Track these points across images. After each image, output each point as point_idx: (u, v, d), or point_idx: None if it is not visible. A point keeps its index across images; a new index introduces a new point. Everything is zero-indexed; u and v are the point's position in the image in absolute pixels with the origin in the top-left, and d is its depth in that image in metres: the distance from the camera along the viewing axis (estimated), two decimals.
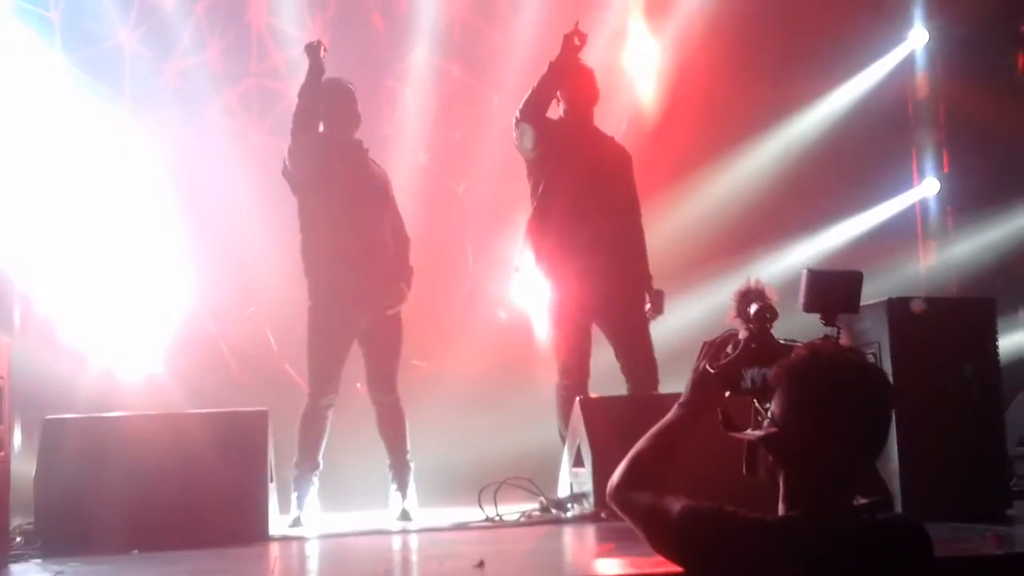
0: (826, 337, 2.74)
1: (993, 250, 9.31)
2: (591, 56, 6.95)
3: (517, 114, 6.41)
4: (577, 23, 6.41)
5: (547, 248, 6.39)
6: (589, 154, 6.41)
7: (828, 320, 2.82)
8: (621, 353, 6.46)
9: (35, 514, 5.54)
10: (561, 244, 6.35)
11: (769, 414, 2.63)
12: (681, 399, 2.85)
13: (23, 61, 8.72)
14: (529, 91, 6.39)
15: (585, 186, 6.35)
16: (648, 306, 6.50)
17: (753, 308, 2.76)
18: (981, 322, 5.37)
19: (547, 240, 6.39)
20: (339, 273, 6.48)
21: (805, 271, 2.89)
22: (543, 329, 8.81)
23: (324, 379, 6.52)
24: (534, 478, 6.25)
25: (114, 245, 8.73)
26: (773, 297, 2.78)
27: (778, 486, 2.65)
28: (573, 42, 6.30)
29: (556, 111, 6.50)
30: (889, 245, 9.64)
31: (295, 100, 6.76)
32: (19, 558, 5.17)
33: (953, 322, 5.34)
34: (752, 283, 2.81)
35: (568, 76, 6.37)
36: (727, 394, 2.77)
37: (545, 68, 6.43)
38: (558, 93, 6.46)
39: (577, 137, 6.40)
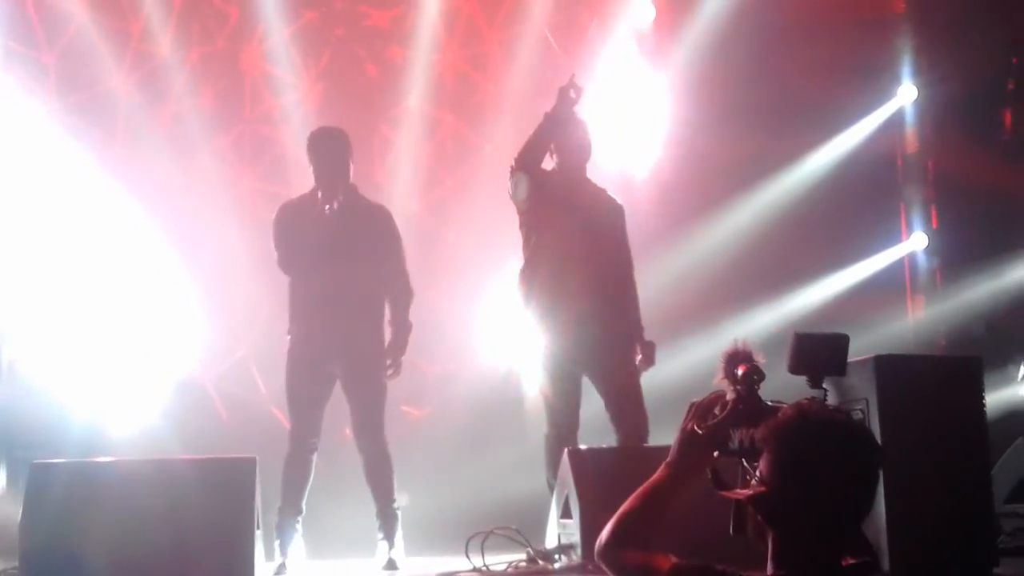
0: (812, 398, 2.76)
1: (981, 306, 9.36)
2: (583, 108, 6.99)
3: (512, 163, 6.44)
4: (573, 75, 6.45)
5: (536, 298, 6.41)
6: (581, 206, 6.43)
7: (815, 383, 2.85)
8: (610, 404, 6.47)
9: (20, 559, 5.50)
10: (551, 294, 6.37)
11: (757, 474, 2.65)
12: (668, 458, 2.87)
13: (15, 105, 8.75)
14: (525, 141, 6.41)
15: (576, 238, 6.37)
16: (639, 357, 6.51)
17: (741, 370, 2.79)
18: (968, 380, 5.39)
19: (537, 290, 6.41)
20: (316, 317, 6.50)
21: (793, 334, 2.92)
22: (533, 378, 8.85)
23: (304, 423, 6.51)
24: (522, 528, 6.23)
25: (102, 287, 8.73)
26: (760, 359, 2.81)
27: (766, 545, 2.66)
28: (569, 94, 6.33)
29: (549, 163, 6.53)
30: (877, 299, 9.68)
31: (288, 148, 6.78)
32: None
33: (940, 380, 5.37)
34: (739, 345, 2.84)
35: (562, 128, 6.40)
36: (715, 454, 2.79)
37: (540, 118, 6.48)
38: (551, 145, 6.48)
39: (569, 189, 6.43)
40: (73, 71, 9.20)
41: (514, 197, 6.50)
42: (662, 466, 2.87)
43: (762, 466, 2.64)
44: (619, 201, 6.80)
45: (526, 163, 6.37)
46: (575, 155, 6.50)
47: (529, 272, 6.46)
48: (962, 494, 5.22)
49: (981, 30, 9.33)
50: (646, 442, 6.33)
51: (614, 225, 6.59)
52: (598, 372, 6.46)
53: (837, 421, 2.62)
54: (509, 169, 6.48)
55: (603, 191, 6.73)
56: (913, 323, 10.10)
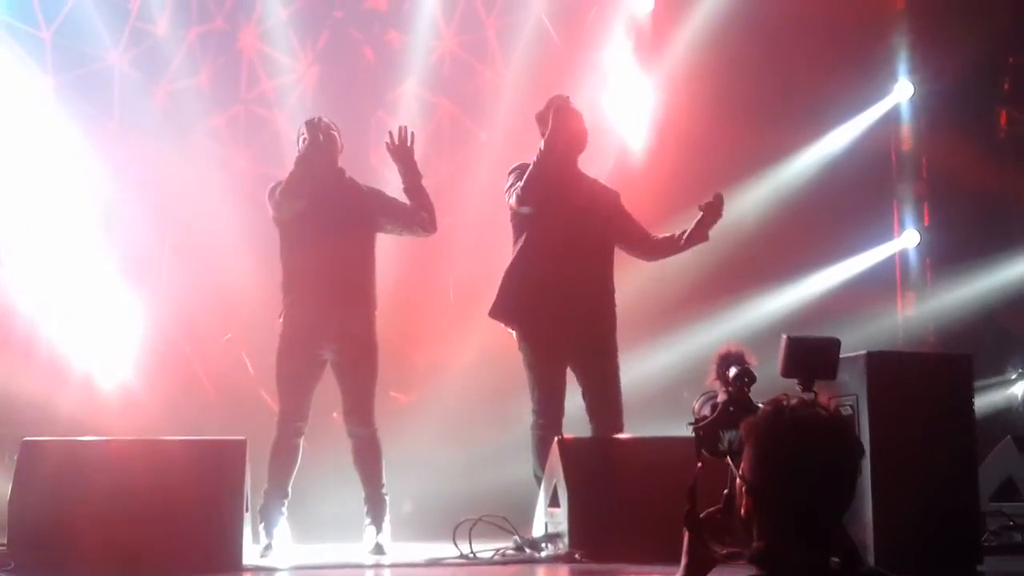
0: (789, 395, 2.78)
1: (972, 303, 9.40)
2: (581, 97, 7.00)
3: (519, 193, 6.36)
4: (568, 99, 6.46)
5: (522, 290, 6.40)
6: (572, 200, 6.41)
7: (806, 386, 2.88)
8: (588, 396, 6.47)
9: (8, 536, 5.53)
10: (537, 287, 6.36)
11: (739, 471, 2.68)
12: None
13: (12, 80, 8.74)
14: (527, 175, 6.37)
15: (564, 232, 6.35)
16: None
17: (732, 371, 2.82)
18: (958, 378, 5.43)
19: (523, 282, 6.40)
20: (308, 300, 6.50)
21: (784, 337, 2.95)
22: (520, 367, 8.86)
23: (292, 406, 6.51)
24: (510, 516, 6.24)
25: (92, 266, 8.73)
26: (752, 361, 2.84)
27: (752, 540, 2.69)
28: (562, 119, 6.31)
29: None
30: (868, 295, 9.71)
31: (283, 130, 6.77)
32: None
33: (930, 377, 5.41)
34: (732, 347, 2.87)
35: (557, 119, 6.39)
36: (705, 454, 2.82)
37: (536, 110, 6.47)
38: (546, 132, 6.46)
39: (561, 182, 6.40)
40: (70, 47, 9.17)
41: (515, 210, 6.48)
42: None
43: (743, 463, 2.66)
44: (613, 189, 6.78)
45: (532, 198, 6.35)
46: (569, 147, 6.48)
47: (518, 265, 6.45)
48: (948, 491, 5.27)
49: (978, 29, 9.34)
50: (620, 433, 6.34)
51: (606, 216, 6.56)
52: (579, 364, 6.47)
53: (813, 415, 2.62)
54: (510, 191, 6.42)
55: (595, 182, 6.72)
56: (903, 319, 10.14)
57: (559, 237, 6.36)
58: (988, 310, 9.37)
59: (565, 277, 6.33)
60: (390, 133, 6.64)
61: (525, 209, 6.39)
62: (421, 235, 6.82)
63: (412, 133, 6.62)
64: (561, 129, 6.29)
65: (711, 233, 6.46)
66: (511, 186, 6.46)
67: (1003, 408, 8.97)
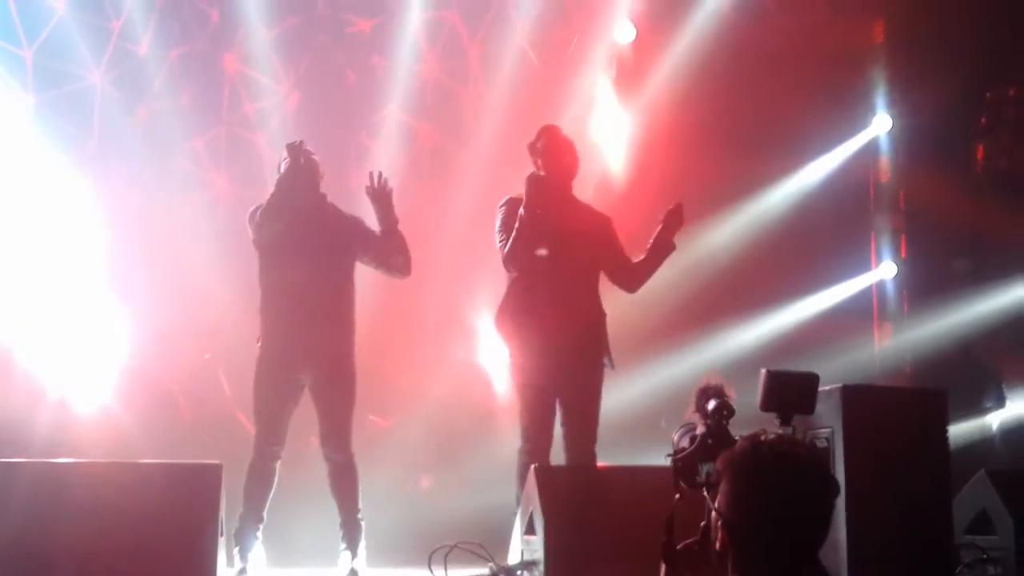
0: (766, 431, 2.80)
1: (947, 335, 9.45)
2: (562, 123, 7.01)
3: (503, 257, 6.39)
4: (559, 130, 6.50)
5: (511, 318, 6.41)
6: (564, 228, 6.41)
7: (784, 421, 2.90)
8: (564, 425, 6.47)
9: None
10: (526, 315, 6.36)
11: (715, 505, 2.69)
12: None
13: None
14: (510, 243, 6.37)
15: (554, 262, 6.36)
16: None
17: (711, 404, 2.84)
18: (933, 412, 5.47)
19: (512, 311, 6.40)
20: (286, 324, 6.50)
21: (763, 372, 2.97)
22: (502, 390, 8.86)
23: (269, 430, 6.49)
24: (486, 542, 6.23)
25: (70, 285, 8.70)
26: (731, 394, 2.86)
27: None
28: (539, 183, 6.33)
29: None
30: (846, 325, 9.75)
31: (264, 152, 6.77)
32: None
33: (906, 410, 5.44)
34: (711, 379, 2.89)
35: (549, 148, 6.42)
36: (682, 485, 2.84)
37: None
38: (538, 162, 6.48)
39: (554, 209, 6.40)
40: (51, 66, 9.16)
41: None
42: None
43: (720, 497, 2.67)
44: (604, 214, 6.79)
45: (517, 263, 6.38)
46: (560, 174, 6.49)
47: (511, 297, 6.45)
48: (923, 524, 5.29)
49: (956, 64, 9.42)
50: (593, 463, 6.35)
51: (596, 243, 6.57)
52: (563, 393, 6.47)
53: (790, 454, 2.65)
54: (499, 249, 6.44)
55: (587, 207, 6.73)
56: (879, 351, 10.19)
57: (547, 267, 6.35)
58: (964, 342, 9.42)
59: (559, 306, 6.33)
60: (370, 175, 6.67)
61: (512, 272, 6.42)
62: (395, 277, 6.85)
63: (387, 180, 6.66)
64: (535, 204, 6.29)
65: (692, 258, 6.47)
66: (499, 235, 6.45)
67: (977, 440, 9.01)
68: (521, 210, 6.29)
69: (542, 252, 6.35)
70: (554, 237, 6.34)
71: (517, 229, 6.32)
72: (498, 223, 6.49)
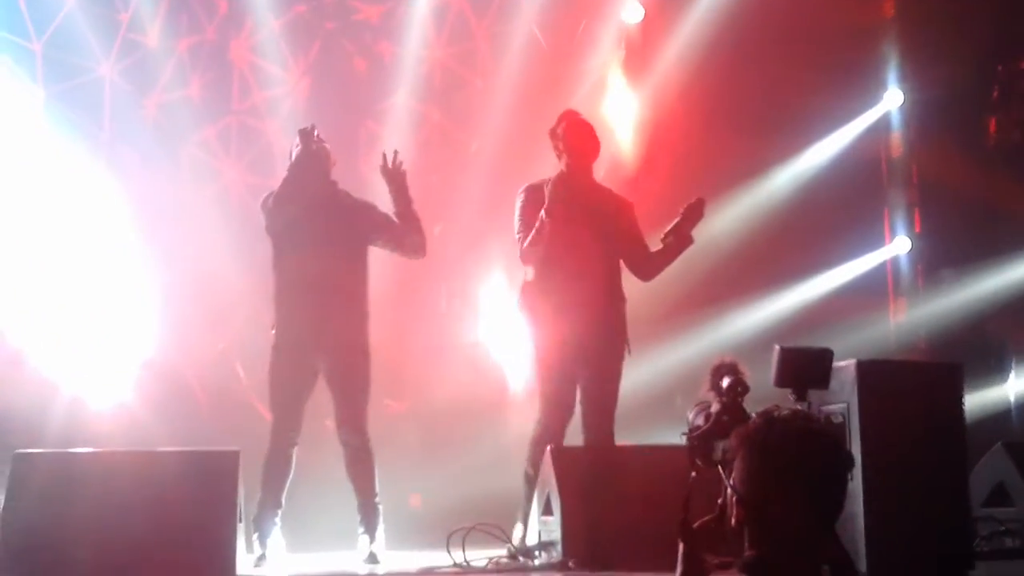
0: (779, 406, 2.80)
1: (962, 309, 9.43)
2: (572, 106, 6.98)
3: (520, 253, 6.37)
4: (578, 115, 6.47)
5: (535, 301, 6.37)
6: (586, 213, 6.37)
7: (799, 396, 2.90)
8: (584, 408, 6.43)
9: (1, 548, 5.51)
10: (550, 294, 6.33)
11: (730, 482, 2.69)
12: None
13: (1, 92, 8.74)
14: (528, 241, 6.32)
15: (577, 246, 6.31)
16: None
17: (726, 382, 2.84)
18: (948, 386, 5.46)
19: (536, 294, 6.37)
20: (300, 310, 6.50)
21: (777, 348, 2.97)
22: (515, 372, 8.87)
23: (285, 416, 6.50)
24: (504, 523, 6.26)
25: (85, 277, 8.73)
26: (745, 372, 2.86)
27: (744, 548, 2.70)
28: (562, 185, 6.29)
29: (558, 165, 6.47)
30: (860, 302, 9.74)
31: (275, 140, 6.76)
32: None
33: (921, 385, 5.43)
34: (725, 358, 2.88)
35: (570, 133, 6.39)
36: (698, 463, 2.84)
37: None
38: (559, 146, 6.44)
39: (574, 195, 6.37)
40: (61, 59, 9.17)
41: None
42: None
43: (734, 474, 2.68)
44: (627, 199, 6.74)
45: (533, 263, 6.37)
46: (582, 157, 6.45)
47: (535, 278, 6.42)
48: (940, 498, 5.28)
49: (968, 37, 9.38)
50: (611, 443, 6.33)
51: (618, 229, 6.52)
52: (582, 375, 6.44)
53: (804, 429, 2.65)
54: (516, 221, 6.41)
55: (609, 191, 6.68)
56: (895, 326, 10.17)
57: (569, 252, 6.31)
58: (979, 316, 9.40)
59: (580, 290, 6.29)
60: (384, 155, 6.66)
61: (529, 269, 6.40)
62: (411, 257, 6.85)
63: (402, 161, 6.65)
64: (557, 210, 6.25)
65: (706, 237, 6.44)
66: (518, 226, 6.41)
67: (993, 413, 8.99)
68: (542, 213, 6.26)
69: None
70: (577, 222, 6.30)
71: (537, 230, 6.27)
72: (517, 212, 6.44)
